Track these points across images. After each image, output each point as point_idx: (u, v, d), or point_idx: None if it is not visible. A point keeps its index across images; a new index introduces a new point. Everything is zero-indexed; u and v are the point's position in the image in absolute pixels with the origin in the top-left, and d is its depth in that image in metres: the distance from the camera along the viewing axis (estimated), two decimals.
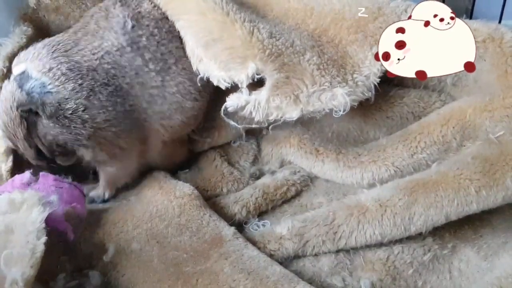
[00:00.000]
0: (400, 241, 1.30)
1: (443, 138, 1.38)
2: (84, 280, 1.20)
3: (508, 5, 1.74)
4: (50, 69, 1.24)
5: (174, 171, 1.52)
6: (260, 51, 1.32)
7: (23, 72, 1.25)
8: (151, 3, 1.44)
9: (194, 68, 1.40)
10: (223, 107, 1.35)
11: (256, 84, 1.34)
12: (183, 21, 1.41)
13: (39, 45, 1.31)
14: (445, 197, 1.25)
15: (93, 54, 1.31)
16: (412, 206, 1.26)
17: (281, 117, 1.33)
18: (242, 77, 1.32)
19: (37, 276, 1.03)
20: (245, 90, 1.33)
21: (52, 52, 1.27)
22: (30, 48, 1.30)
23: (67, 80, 1.24)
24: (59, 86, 1.23)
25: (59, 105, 1.23)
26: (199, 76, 1.40)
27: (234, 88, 1.37)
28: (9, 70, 1.42)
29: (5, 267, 1.00)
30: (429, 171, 1.33)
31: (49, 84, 1.23)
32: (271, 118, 1.34)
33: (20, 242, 1.03)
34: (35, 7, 1.60)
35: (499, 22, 1.73)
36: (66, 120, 1.24)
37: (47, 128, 1.23)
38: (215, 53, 1.36)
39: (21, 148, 1.27)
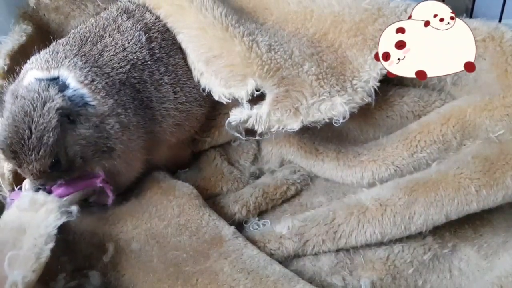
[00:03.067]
0: (400, 240, 1.30)
1: (443, 137, 1.38)
2: (84, 280, 1.21)
3: (508, 4, 1.73)
4: (91, 82, 1.20)
5: (174, 170, 1.52)
6: (259, 67, 1.33)
7: (56, 79, 1.19)
8: (153, 15, 1.43)
9: (196, 80, 1.42)
10: (226, 121, 1.37)
11: (258, 97, 1.36)
12: (183, 34, 1.42)
13: (66, 52, 1.25)
14: (445, 196, 1.25)
15: (121, 67, 1.28)
16: (412, 205, 1.26)
17: (283, 128, 1.34)
18: (242, 94, 1.35)
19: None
20: (246, 105, 1.35)
21: (85, 62, 1.23)
22: (60, 50, 1.25)
23: (106, 96, 1.21)
24: (100, 100, 1.20)
25: (102, 119, 1.20)
26: (201, 87, 1.42)
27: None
28: (9, 68, 1.42)
29: (8, 268, 1.00)
30: (429, 170, 1.34)
31: (88, 97, 1.19)
32: (273, 130, 1.35)
33: (28, 244, 1.04)
34: (34, 7, 1.60)
35: (499, 21, 1.73)
36: (105, 133, 1.21)
37: (79, 137, 1.17)
38: (216, 70, 1.37)
39: (32, 157, 1.12)
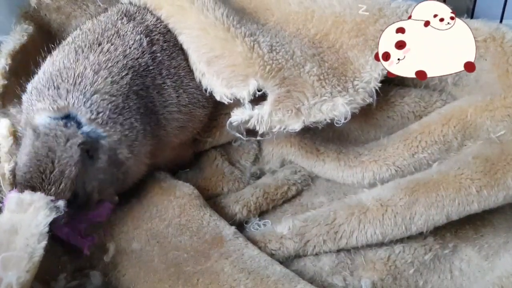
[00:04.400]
0: (401, 240, 1.30)
1: (444, 137, 1.38)
2: (85, 280, 1.21)
3: (509, 5, 1.74)
4: (97, 115, 1.20)
5: (175, 170, 1.52)
6: (261, 68, 1.33)
7: (68, 116, 1.19)
8: (154, 16, 1.42)
9: (197, 81, 1.42)
10: (228, 121, 1.37)
11: (259, 97, 1.36)
12: (184, 35, 1.41)
13: (65, 85, 1.22)
14: (446, 197, 1.25)
15: (122, 78, 1.26)
16: (413, 205, 1.26)
17: (284, 129, 1.34)
18: (244, 94, 1.34)
19: (38, 276, 1.04)
20: (248, 105, 1.35)
21: (84, 94, 1.21)
22: (61, 91, 1.22)
23: (113, 124, 1.21)
24: (109, 131, 1.20)
25: (115, 150, 1.21)
26: (203, 88, 1.42)
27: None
28: (11, 68, 1.42)
29: (2, 270, 1.00)
30: (430, 170, 1.34)
31: (99, 131, 1.19)
32: (275, 130, 1.35)
33: (20, 245, 1.04)
34: (36, 7, 1.60)
35: (500, 21, 1.74)
36: (119, 161, 1.22)
37: (98, 172, 1.19)
38: (217, 70, 1.37)
39: (51, 192, 1.12)
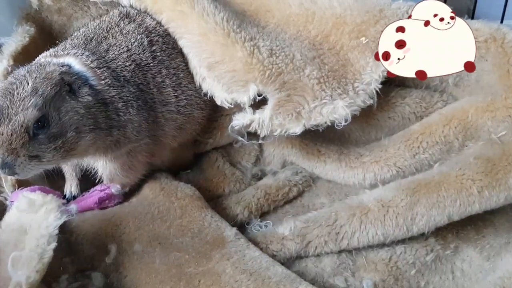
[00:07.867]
0: (402, 241, 1.30)
1: (445, 138, 1.38)
2: (87, 281, 1.21)
3: (510, 5, 1.74)
4: (96, 67, 1.22)
5: (176, 171, 1.52)
6: (261, 73, 1.34)
7: (63, 64, 1.20)
8: (154, 20, 1.44)
9: (197, 85, 1.43)
10: (229, 126, 1.38)
11: (260, 101, 1.37)
12: (185, 40, 1.42)
13: (74, 45, 1.29)
14: (447, 198, 1.25)
15: (126, 66, 1.30)
16: (415, 206, 1.26)
17: (285, 132, 1.35)
18: (245, 99, 1.35)
19: None
20: (249, 110, 1.36)
21: (93, 54, 1.26)
22: (67, 45, 1.29)
23: (111, 84, 1.23)
24: (104, 86, 1.21)
25: (103, 101, 1.20)
26: (203, 92, 1.42)
27: None
28: (13, 69, 1.42)
29: (12, 268, 1.00)
30: (431, 171, 1.34)
31: (92, 80, 1.20)
32: (276, 133, 1.36)
33: (30, 245, 1.04)
34: (37, 8, 1.61)
35: (501, 22, 1.73)
36: (104, 111, 1.20)
37: (79, 106, 1.15)
38: (218, 75, 1.38)
39: (18, 109, 1.07)
